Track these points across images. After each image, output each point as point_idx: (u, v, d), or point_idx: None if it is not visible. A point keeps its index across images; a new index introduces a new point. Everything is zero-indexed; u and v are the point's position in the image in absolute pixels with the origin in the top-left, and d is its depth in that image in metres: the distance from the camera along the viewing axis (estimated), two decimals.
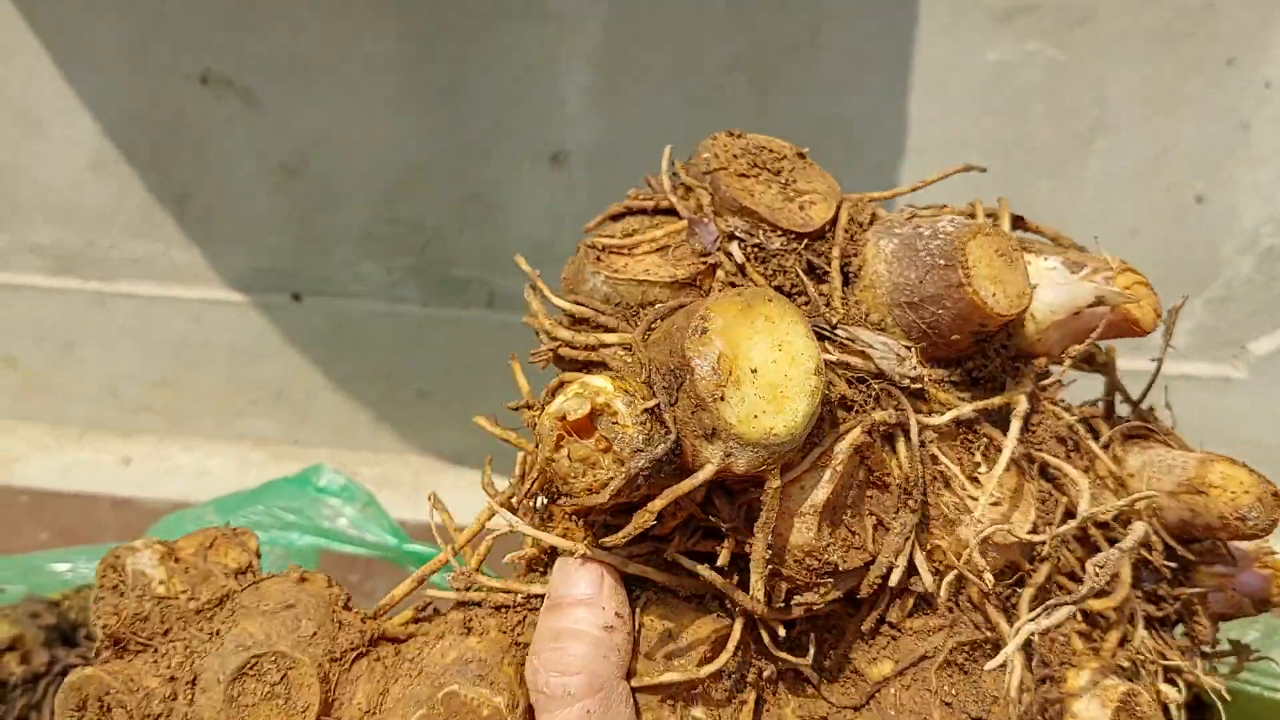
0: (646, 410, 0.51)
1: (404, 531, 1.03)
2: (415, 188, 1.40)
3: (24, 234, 1.46)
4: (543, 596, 0.57)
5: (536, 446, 0.52)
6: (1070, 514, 0.61)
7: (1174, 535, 0.64)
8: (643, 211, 0.65)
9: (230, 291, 1.48)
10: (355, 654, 0.57)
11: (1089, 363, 0.71)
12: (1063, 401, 0.66)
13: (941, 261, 0.57)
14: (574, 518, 0.60)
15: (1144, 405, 0.72)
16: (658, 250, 0.62)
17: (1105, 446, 0.66)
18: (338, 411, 1.54)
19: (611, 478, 0.50)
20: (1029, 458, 0.61)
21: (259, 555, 0.64)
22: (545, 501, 0.61)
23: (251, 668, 0.55)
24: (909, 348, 0.58)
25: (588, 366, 0.58)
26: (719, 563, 0.54)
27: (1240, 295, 1.40)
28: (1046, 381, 0.62)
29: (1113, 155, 1.31)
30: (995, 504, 0.58)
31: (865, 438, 0.55)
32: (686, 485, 0.50)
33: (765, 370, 0.50)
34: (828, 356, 0.56)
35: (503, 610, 0.59)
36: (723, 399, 0.49)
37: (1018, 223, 0.68)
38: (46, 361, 1.54)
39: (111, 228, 1.45)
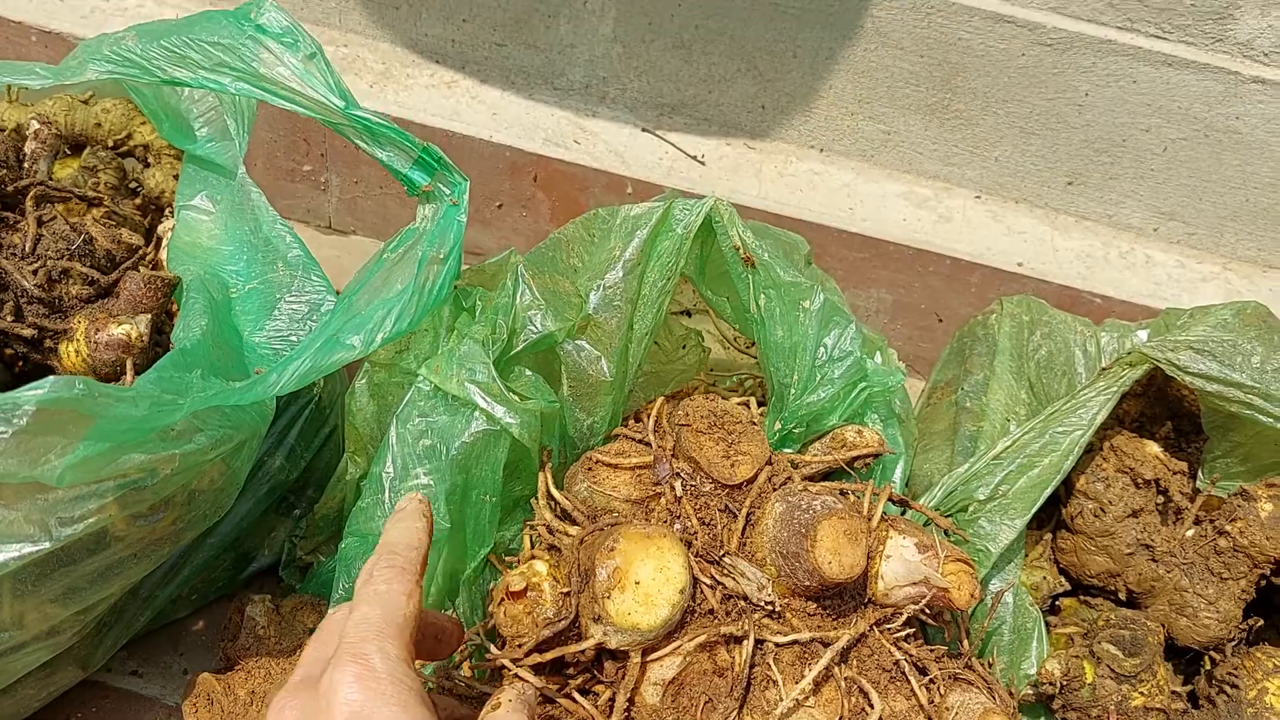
0: (563, 593, 0.79)
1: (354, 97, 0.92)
2: None
3: None
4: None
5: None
6: None
7: None
8: (632, 439, 0.93)
9: None
10: None
11: (935, 618, 0.92)
12: (913, 643, 0.87)
13: (802, 531, 0.81)
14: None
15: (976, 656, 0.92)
16: (634, 469, 0.88)
17: (932, 682, 0.86)
18: None
19: (528, 635, 0.78)
20: (851, 680, 0.83)
21: None
22: None
23: None
24: (769, 581, 0.82)
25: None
26: (599, 703, 0.79)
27: None
28: (889, 626, 0.85)
29: None
30: (807, 707, 0.81)
31: (715, 640, 0.79)
32: (574, 648, 0.77)
33: (646, 584, 0.75)
34: (705, 579, 0.81)
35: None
36: (609, 598, 0.75)
37: (901, 502, 0.92)
38: None
39: None
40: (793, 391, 0.95)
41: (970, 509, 0.97)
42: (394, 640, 0.57)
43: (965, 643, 0.93)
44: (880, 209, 1.38)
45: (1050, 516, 1.08)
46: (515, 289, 0.91)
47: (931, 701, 0.86)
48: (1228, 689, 0.97)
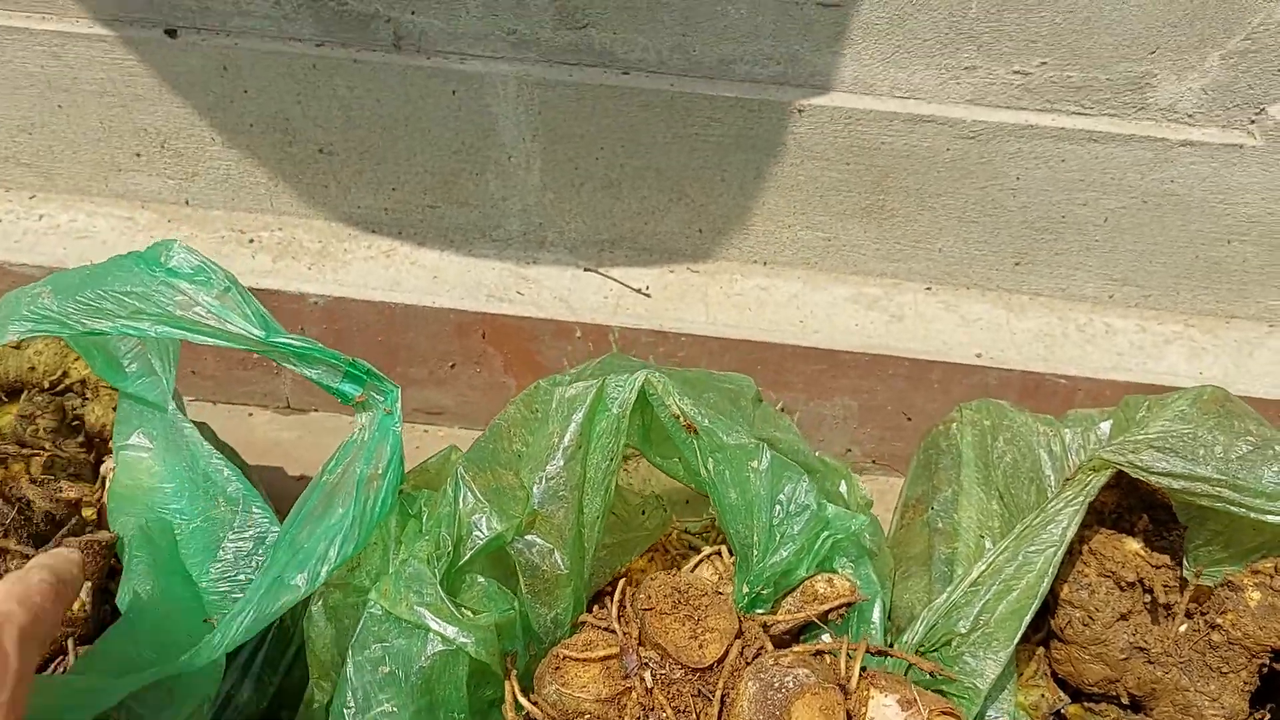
0: None
1: (275, 321, 0.91)
2: None
3: None
4: None
5: None
6: None
7: None
8: (598, 627, 0.91)
9: (93, 24, 1.27)
10: None
11: None
12: None
13: (776, 714, 0.79)
14: None
15: None
16: (602, 660, 0.86)
17: None
18: (231, 169, 1.39)
19: None
20: None
21: None
22: None
23: None
24: None
25: None
26: None
27: (1268, 48, 1.20)
28: None
29: None
30: None
31: None
32: None
33: None
34: None
35: None
36: None
37: (880, 652, 0.91)
38: None
39: None
40: (755, 553, 0.93)
41: (954, 643, 0.95)
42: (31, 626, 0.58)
43: None
44: (831, 317, 1.38)
45: (1042, 624, 1.06)
46: (457, 494, 0.90)
47: None
48: None
